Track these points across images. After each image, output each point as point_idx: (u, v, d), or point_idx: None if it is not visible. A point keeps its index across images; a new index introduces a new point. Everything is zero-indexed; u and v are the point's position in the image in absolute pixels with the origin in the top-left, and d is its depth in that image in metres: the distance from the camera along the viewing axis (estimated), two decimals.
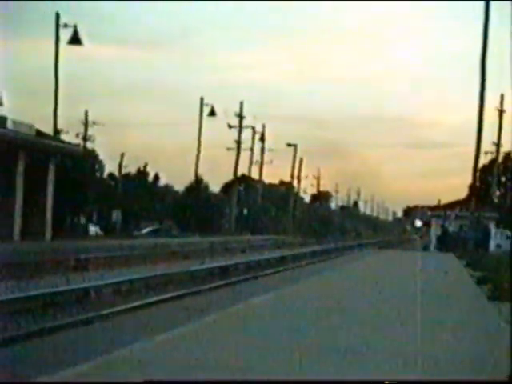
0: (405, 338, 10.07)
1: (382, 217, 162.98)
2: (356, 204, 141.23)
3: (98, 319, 13.63)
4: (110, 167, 63.89)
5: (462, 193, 66.76)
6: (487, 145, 59.80)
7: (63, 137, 49.25)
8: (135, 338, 10.01)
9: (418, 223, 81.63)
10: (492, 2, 44.28)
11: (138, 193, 63.43)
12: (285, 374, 7.39)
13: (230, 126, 74.62)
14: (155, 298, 17.11)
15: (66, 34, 46.48)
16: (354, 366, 7.94)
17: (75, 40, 46.13)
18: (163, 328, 10.79)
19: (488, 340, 10.42)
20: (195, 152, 69.24)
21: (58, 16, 47.30)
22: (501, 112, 62.40)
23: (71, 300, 15.57)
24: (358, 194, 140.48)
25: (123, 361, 7.76)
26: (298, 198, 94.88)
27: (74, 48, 46.90)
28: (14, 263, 21.41)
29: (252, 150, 79.83)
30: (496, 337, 10.68)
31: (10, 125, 34.51)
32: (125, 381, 6.68)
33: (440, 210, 58.65)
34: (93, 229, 53.94)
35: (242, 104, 75.05)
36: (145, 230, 62.29)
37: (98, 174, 58.66)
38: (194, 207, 66.69)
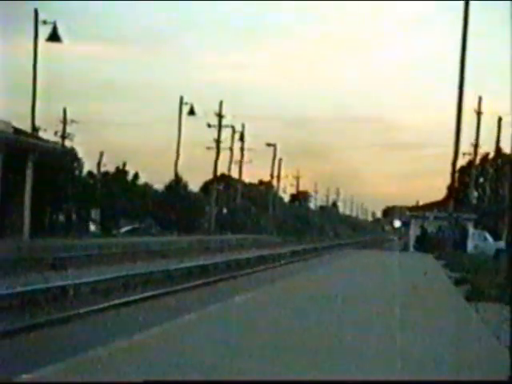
0: (383, 338, 10.08)
1: (361, 217, 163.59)
2: (335, 204, 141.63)
3: (76, 318, 13.55)
4: (88, 165, 63.55)
5: (440, 194, 67.18)
6: (465, 146, 60.18)
7: (41, 135, 48.96)
8: (112, 337, 9.95)
9: (397, 223, 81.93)
10: (471, 4, 44.53)
11: (117, 191, 63.15)
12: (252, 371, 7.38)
13: (209, 125, 74.55)
14: (134, 297, 17.04)
15: (44, 31, 46.22)
16: (319, 364, 7.95)
17: (54, 37, 45.82)
18: (140, 327, 10.75)
19: (466, 339, 10.47)
20: (175, 151, 69.19)
21: (36, 13, 47.00)
22: (478, 114, 62.82)
23: (49, 298, 15.48)
24: (337, 194, 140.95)
25: (98, 360, 7.71)
26: (277, 198, 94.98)
27: (53, 45, 46.62)
28: None
29: (231, 149, 79.84)
30: (474, 335, 10.74)
31: None
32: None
33: (419, 211, 58.91)
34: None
35: (221, 103, 75.01)
36: (124, 229, 62.05)
37: (76, 173, 58.32)
38: (173, 206, 66.55)
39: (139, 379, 6.64)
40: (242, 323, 10.81)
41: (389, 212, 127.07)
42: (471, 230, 51.22)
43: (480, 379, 7.42)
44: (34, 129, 47.46)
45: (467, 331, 11.40)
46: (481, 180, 71.50)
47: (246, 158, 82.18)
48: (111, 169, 68.09)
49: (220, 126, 75.44)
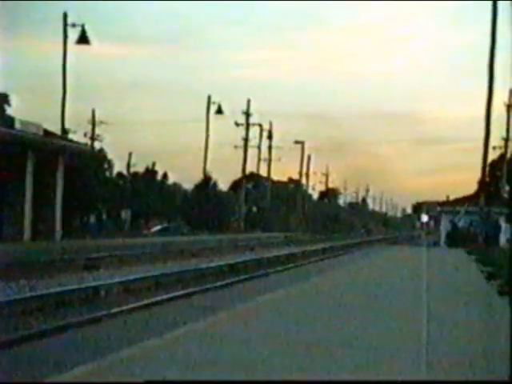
0: (412, 333, 10.04)
1: (391, 213, 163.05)
2: (365, 200, 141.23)
3: (108, 317, 13.65)
4: (118, 166, 64.00)
5: (471, 188, 66.57)
6: (496, 140, 59.70)
7: (71, 136, 49.40)
8: (145, 336, 10.02)
9: (425, 218, 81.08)
10: None
11: (147, 191, 63.50)
12: (285, 368, 7.39)
13: (237, 124, 74.70)
14: (165, 296, 17.12)
15: (73, 34, 46.65)
16: (354, 358, 7.94)
17: (83, 39, 46.22)
18: (173, 326, 10.80)
19: (498, 332, 10.40)
20: (203, 150, 69.36)
21: (65, 16, 47.42)
22: (509, 107, 62.22)
23: (81, 298, 15.61)
24: (367, 191, 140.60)
25: (132, 359, 7.76)
26: (306, 195, 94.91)
27: (82, 47, 47.02)
28: (26, 263, 21.47)
29: (259, 147, 79.92)
30: (505, 330, 10.66)
31: (18, 125, 34.60)
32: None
33: (449, 206, 58.50)
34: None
35: (249, 101, 75.12)
36: (154, 229, 62.39)
37: (106, 174, 58.72)
38: (202, 205, 66.74)
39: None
40: (272, 321, 10.83)
41: (419, 208, 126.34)
42: (503, 224, 50.75)
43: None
44: (64, 131, 47.90)
45: (500, 324, 11.32)
46: None
47: (274, 156, 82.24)
48: (141, 169, 68.51)
49: (248, 125, 75.53)
